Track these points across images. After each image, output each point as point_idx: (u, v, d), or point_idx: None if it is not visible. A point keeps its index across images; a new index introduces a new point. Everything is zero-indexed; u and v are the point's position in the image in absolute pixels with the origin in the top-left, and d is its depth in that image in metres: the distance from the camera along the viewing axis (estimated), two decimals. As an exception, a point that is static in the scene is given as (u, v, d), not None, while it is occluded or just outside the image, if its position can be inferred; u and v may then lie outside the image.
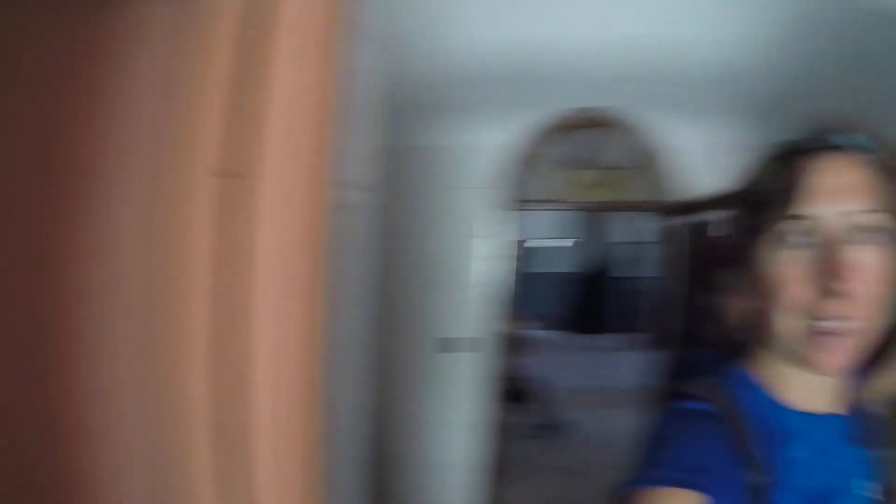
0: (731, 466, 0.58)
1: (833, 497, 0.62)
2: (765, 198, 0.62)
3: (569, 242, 10.58)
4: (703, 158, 3.01)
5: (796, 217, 0.59)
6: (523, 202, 2.94)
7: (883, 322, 0.60)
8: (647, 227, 10.03)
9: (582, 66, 2.69)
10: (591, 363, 8.05)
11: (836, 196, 0.59)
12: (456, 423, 3.00)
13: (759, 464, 0.58)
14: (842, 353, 0.59)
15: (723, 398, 0.63)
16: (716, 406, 0.62)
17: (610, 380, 6.91)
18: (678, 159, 3.05)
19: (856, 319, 0.58)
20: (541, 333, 8.16)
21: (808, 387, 0.64)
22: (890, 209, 0.60)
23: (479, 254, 2.96)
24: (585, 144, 3.40)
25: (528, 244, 9.35)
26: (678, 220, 2.97)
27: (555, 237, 10.45)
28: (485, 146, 2.91)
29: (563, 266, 10.60)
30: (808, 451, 0.62)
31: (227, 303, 0.72)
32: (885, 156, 0.63)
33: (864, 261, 0.58)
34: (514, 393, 4.39)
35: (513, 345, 2.80)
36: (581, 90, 2.87)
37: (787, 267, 0.60)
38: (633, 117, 3.02)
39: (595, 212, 8.77)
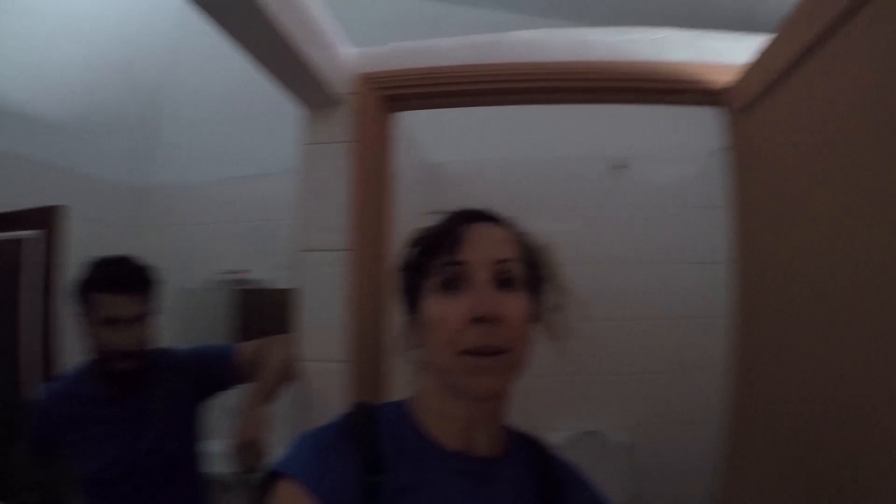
0: (350, 476, 0.68)
1: None
2: (432, 249, 0.75)
3: None
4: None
5: (457, 263, 0.72)
6: None
7: (526, 356, 0.74)
8: None
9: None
10: None
11: (486, 248, 0.74)
12: None
13: (375, 468, 0.69)
14: (492, 378, 0.70)
15: (359, 421, 0.74)
16: (351, 426, 0.73)
17: None
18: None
19: (503, 347, 0.69)
20: None
21: (449, 420, 0.75)
22: (522, 263, 0.76)
23: None
24: None
25: None
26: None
27: None
28: None
29: None
30: (436, 476, 0.72)
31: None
32: (517, 229, 0.82)
33: (507, 299, 0.71)
34: None
35: None
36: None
37: (445, 307, 0.71)
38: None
39: None
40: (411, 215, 2.41)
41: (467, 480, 0.72)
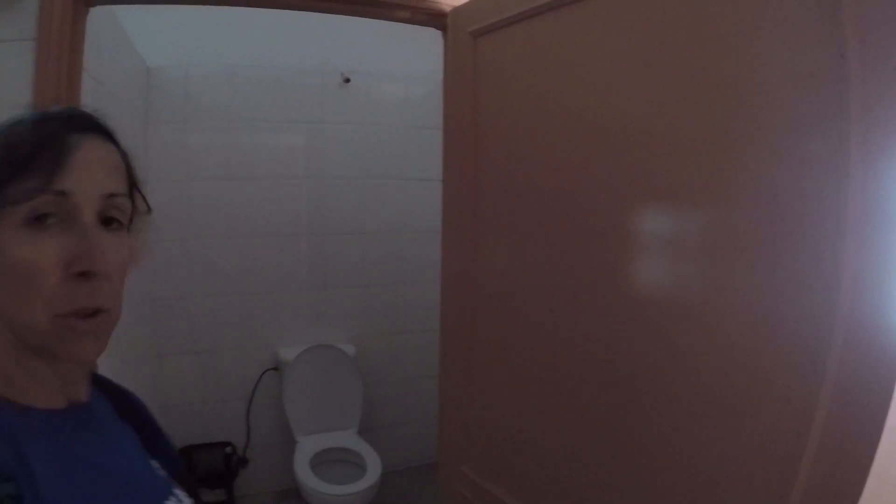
0: None
1: (132, 480, 0.61)
2: (19, 166, 0.52)
3: None
4: None
5: (57, 193, 0.52)
6: None
7: (120, 310, 0.60)
8: None
9: None
10: None
11: (95, 175, 0.56)
12: None
13: (16, 492, 0.47)
14: (93, 342, 0.56)
15: None
16: None
17: None
18: None
19: (107, 305, 0.56)
20: None
21: (43, 380, 0.58)
22: (128, 196, 0.61)
23: None
24: None
25: None
26: None
27: None
28: None
29: None
30: (65, 447, 0.55)
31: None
32: (123, 145, 0.62)
33: (111, 244, 0.56)
34: None
35: None
36: None
37: (35, 250, 0.52)
38: None
39: None
40: (124, 124, 2.17)
41: (84, 433, 0.61)
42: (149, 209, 0.67)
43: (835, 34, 0.79)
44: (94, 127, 0.60)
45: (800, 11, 0.86)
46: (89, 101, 1.46)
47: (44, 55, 1.35)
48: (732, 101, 0.96)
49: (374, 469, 2.41)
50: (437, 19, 1.65)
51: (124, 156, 0.63)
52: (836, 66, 0.79)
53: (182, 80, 2.59)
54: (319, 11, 1.63)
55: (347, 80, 2.86)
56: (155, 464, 0.69)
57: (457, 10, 1.59)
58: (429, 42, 1.84)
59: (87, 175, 0.55)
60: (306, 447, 2.55)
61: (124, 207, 0.60)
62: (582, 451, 1.29)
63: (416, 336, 3.08)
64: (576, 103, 1.27)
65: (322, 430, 2.68)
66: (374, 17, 1.66)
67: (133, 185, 0.64)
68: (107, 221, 0.58)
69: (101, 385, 0.72)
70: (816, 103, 0.84)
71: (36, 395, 0.57)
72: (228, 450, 2.69)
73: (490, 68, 1.50)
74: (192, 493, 0.71)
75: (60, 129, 0.56)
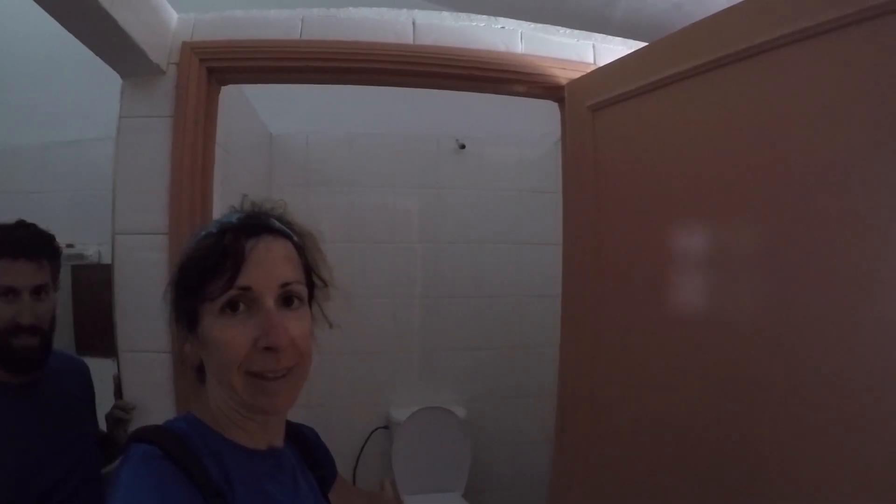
0: (189, 497, 0.61)
1: None
2: (211, 271, 0.68)
3: None
4: None
5: (241, 288, 0.68)
6: None
7: (310, 366, 0.75)
8: None
9: None
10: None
11: (269, 269, 0.70)
12: None
13: (214, 492, 0.63)
14: (280, 397, 0.70)
15: (167, 439, 0.66)
16: (160, 446, 0.64)
17: None
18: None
19: (292, 364, 0.70)
20: None
21: (249, 428, 0.73)
22: (303, 280, 0.74)
23: None
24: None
25: None
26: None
27: None
28: None
29: None
30: (258, 481, 0.71)
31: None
32: (298, 236, 0.77)
33: (292, 319, 0.71)
34: None
35: None
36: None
37: (229, 332, 0.68)
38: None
39: None
40: (248, 188, 2.30)
41: (276, 473, 0.76)
42: (326, 284, 0.82)
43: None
44: (266, 227, 0.73)
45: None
46: (219, 170, 1.57)
47: (180, 131, 1.43)
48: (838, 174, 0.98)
49: (477, 533, 2.33)
50: (553, 92, 1.65)
51: (298, 246, 0.76)
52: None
53: (303, 147, 2.73)
54: (439, 88, 1.68)
55: (463, 147, 2.91)
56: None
57: (573, 84, 1.59)
58: (541, 107, 1.84)
59: (262, 270, 0.69)
60: (411, 507, 2.52)
61: (299, 291, 0.73)
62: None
63: (528, 401, 2.99)
64: (689, 171, 1.25)
65: (428, 491, 2.65)
66: (492, 92, 1.68)
67: (309, 268, 0.78)
68: (287, 302, 0.71)
69: (287, 430, 0.84)
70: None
71: (239, 437, 0.72)
72: (332, 502, 2.70)
73: (608, 139, 1.48)
74: None
75: (237, 236, 0.70)
